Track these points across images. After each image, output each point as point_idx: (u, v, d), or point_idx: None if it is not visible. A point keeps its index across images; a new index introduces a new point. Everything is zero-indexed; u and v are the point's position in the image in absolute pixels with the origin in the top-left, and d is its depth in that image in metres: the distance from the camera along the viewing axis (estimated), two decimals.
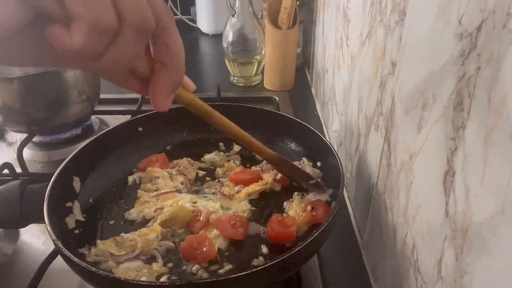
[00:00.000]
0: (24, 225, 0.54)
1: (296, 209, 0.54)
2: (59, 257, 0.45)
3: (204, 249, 0.48)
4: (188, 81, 0.39)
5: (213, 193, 0.60)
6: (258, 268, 0.38)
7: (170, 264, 0.49)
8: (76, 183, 0.57)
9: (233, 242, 0.51)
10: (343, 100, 0.71)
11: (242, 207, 0.56)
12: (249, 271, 0.38)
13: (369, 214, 0.54)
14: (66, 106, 0.74)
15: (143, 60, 0.33)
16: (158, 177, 0.62)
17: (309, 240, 0.41)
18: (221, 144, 0.71)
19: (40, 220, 0.46)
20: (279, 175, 0.60)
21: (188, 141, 0.71)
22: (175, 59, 0.33)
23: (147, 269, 0.47)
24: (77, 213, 0.54)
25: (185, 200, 0.56)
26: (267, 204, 0.58)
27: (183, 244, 0.50)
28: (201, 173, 0.65)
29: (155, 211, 0.55)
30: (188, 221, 0.53)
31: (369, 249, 0.55)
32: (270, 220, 0.52)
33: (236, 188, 0.60)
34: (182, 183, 0.61)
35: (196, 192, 0.61)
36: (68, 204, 0.54)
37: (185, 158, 0.66)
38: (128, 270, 0.47)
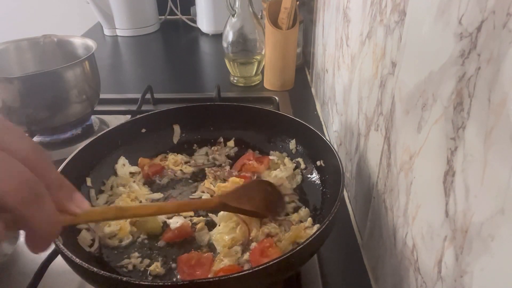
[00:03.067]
0: None
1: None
2: (59, 257, 0.45)
3: (200, 272, 0.47)
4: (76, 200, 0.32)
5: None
6: (258, 268, 0.38)
7: (168, 266, 0.49)
8: (77, 184, 0.57)
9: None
10: (343, 100, 0.71)
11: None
12: (249, 271, 0.38)
13: (369, 214, 0.54)
14: (66, 106, 0.74)
15: None
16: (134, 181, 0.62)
17: (309, 240, 0.41)
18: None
19: None
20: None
21: (188, 141, 0.71)
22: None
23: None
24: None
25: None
26: None
27: (183, 256, 0.49)
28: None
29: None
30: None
31: (369, 249, 0.55)
32: (252, 251, 0.49)
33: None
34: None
35: None
36: None
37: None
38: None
